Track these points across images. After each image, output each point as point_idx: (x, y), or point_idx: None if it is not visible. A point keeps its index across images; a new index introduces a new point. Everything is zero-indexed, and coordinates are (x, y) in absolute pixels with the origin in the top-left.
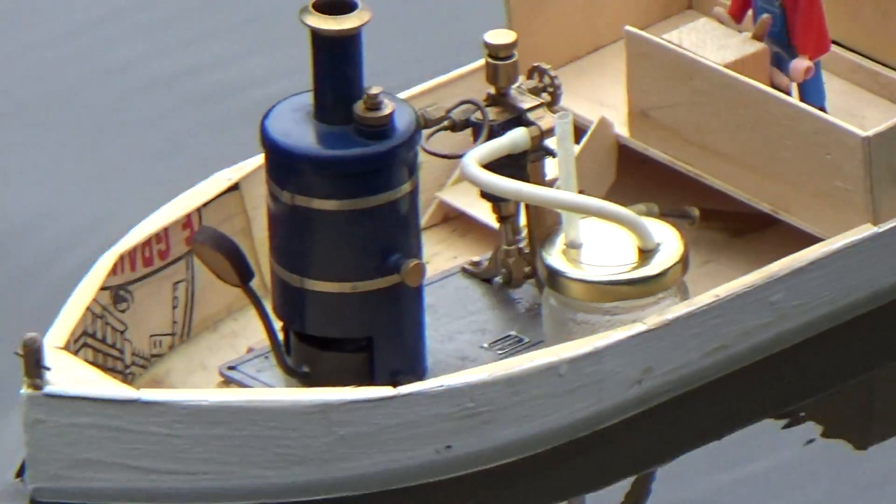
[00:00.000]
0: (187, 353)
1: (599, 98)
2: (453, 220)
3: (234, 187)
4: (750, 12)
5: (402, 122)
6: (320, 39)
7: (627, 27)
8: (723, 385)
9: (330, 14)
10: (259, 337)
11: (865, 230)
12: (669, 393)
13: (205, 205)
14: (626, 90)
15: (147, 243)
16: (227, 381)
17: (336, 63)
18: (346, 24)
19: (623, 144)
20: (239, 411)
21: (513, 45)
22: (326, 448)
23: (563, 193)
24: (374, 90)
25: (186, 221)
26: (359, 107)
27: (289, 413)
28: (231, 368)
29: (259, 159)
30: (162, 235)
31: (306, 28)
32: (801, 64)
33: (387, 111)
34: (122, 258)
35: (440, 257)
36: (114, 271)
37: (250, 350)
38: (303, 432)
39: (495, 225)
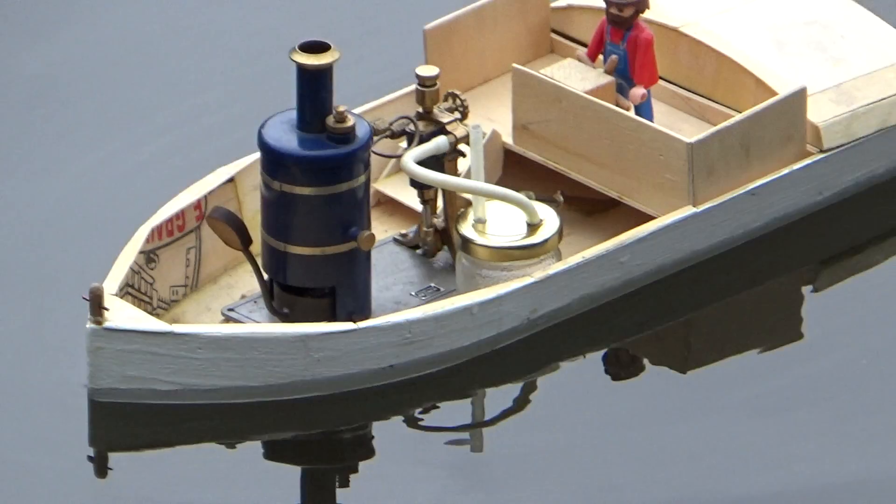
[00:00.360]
0: (196, 299)
1: (490, 116)
2: (384, 203)
3: (230, 179)
4: (601, 55)
5: (360, 131)
6: (303, 71)
7: (515, 65)
8: (587, 319)
9: (311, 53)
10: (249, 287)
11: (687, 210)
12: (547, 324)
13: (210, 192)
14: (511, 110)
15: (169, 220)
16: (227, 320)
17: (314, 88)
18: (322, 61)
19: (508, 149)
20: (243, 340)
21: (436, 77)
22: (304, 367)
23: (475, 182)
24: (341, 108)
25: (197, 204)
26: (330, 120)
27: (279, 341)
28: (230, 310)
29: (248, 159)
30: (179, 214)
31: (294, 63)
32: (637, 91)
33: (349, 123)
34: (152, 231)
35: (375, 230)
36: (147, 240)
37: (243, 297)
38: (289, 355)
39: (418, 207)
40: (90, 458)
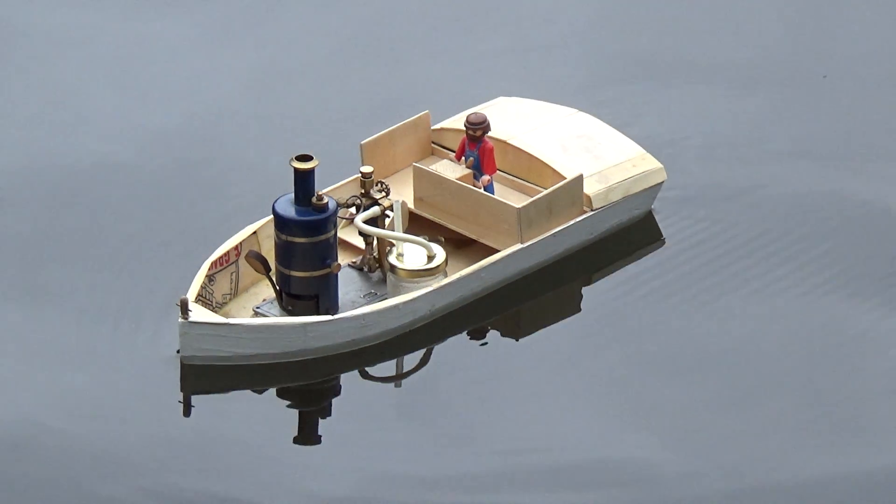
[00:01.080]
0: (237, 302)
1: (401, 192)
2: (340, 244)
3: (254, 233)
4: (464, 157)
5: (331, 205)
6: (298, 172)
7: (414, 164)
8: (464, 310)
9: (302, 161)
10: (266, 295)
11: (517, 245)
12: (442, 314)
13: (243, 240)
14: (413, 189)
15: (220, 258)
16: (256, 314)
17: (304, 181)
18: (308, 166)
19: (413, 212)
20: (268, 328)
21: (371, 172)
22: (303, 342)
23: (397, 233)
24: (320, 193)
25: (235, 247)
26: (314, 199)
27: (289, 327)
28: (258, 308)
29: (262, 220)
30: (225, 255)
31: (292, 167)
32: (485, 178)
33: (325, 201)
34: (212, 263)
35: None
36: (209, 269)
37: (264, 300)
38: (294, 336)
39: (362, 245)
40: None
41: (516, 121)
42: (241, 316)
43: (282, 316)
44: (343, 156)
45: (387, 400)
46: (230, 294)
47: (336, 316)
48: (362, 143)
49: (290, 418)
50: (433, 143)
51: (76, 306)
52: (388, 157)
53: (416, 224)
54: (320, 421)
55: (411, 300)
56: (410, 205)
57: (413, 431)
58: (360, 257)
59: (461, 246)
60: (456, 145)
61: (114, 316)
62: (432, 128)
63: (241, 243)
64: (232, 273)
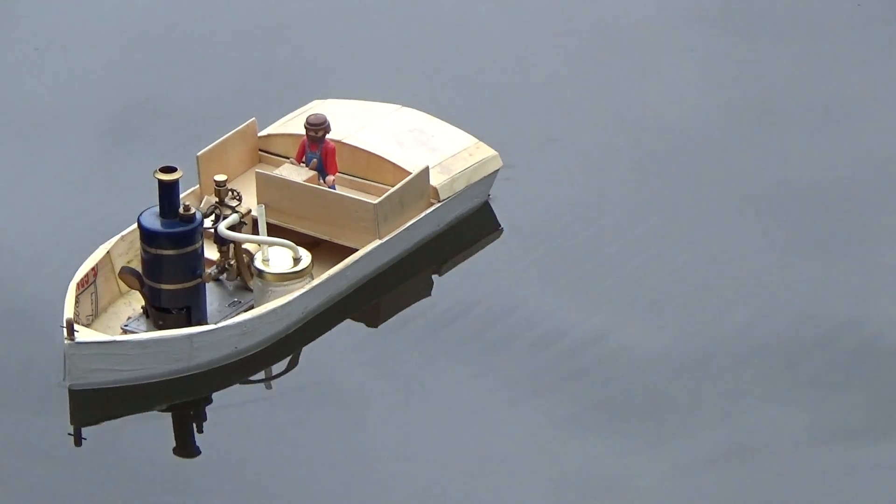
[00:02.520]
0: (101, 322)
1: (249, 202)
2: None
3: (107, 253)
4: (305, 158)
5: (198, 216)
6: (162, 183)
7: (257, 170)
8: (334, 308)
9: (166, 173)
10: (126, 313)
11: (376, 242)
12: (314, 313)
13: (98, 263)
14: (256, 195)
15: (82, 279)
16: (126, 333)
17: (170, 194)
18: (172, 177)
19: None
20: (156, 342)
21: (225, 181)
22: (190, 354)
23: (262, 237)
24: (187, 203)
25: (93, 269)
26: (180, 211)
27: (175, 339)
28: (126, 326)
29: (115, 239)
30: (85, 277)
31: (157, 179)
32: (330, 178)
33: (192, 211)
34: (77, 285)
35: None
36: (77, 289)
37: (129, 318)
38: (179, 347)
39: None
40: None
41: (343, 121)
42: (94, 332)
43: (150, 331)
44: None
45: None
46: (92, 315)
47: (219, 325)
48: (198, 154)
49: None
50: (260, 150)
51: None
52: (221, 166)
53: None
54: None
55: (287, 304)
56: (254, 212)
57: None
58: (214, 267)
59: (309, 248)
60: (282, 150)
61: None
62: (258, 135)
63: (97, 264)
64: (92, 294)
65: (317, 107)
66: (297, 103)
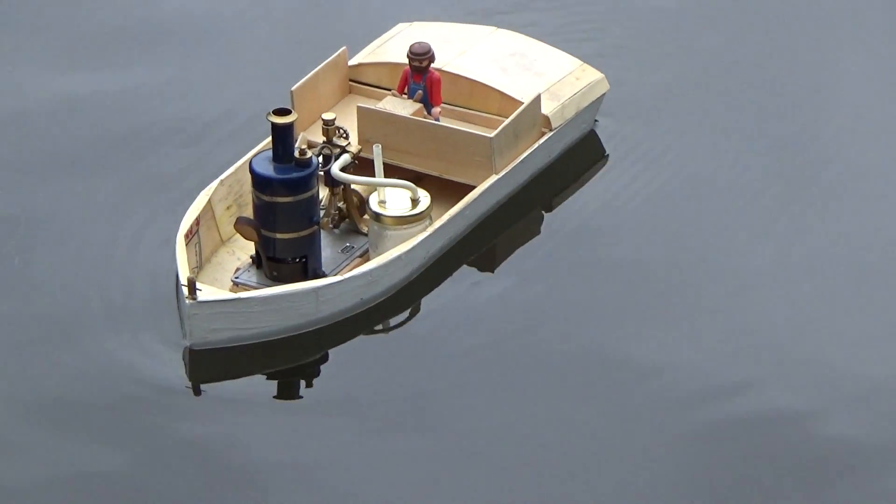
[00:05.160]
0: (205, 276)
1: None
2: None
3: (208, 201)
4: (407, 90)
5: (314, 160)
6: (276, 126)
7: (359, 104)
8: (454, 250)
9: (280, 115)
10: (232, 265)
11: (493, 177)
12: (435, 257)
13: (200, 213)
14: (358, 132)
15: (188, 231)
16: (238, 285)
17: (284, 137)
18: (287, 119)
19: (361, 157)
20: (280, 297)
21: (334, 119)
22: (316, 308)
23: (379, 179)
24: (303, 147)
25: (195, 220)
26: (296, 154)
27: (302, 293)
28: (237, 279)
29: (215, 184)
30: (190, 228)
31: (270, 122)
32: (436, 110)
33: (308, 155)
34: (184, 236)
35: None
36: (185, 239)
37: (238, 269)
38: (306, 302)
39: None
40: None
41: (437, 46)
42: (216, 289)
43: (262, 283)
44: (261, 108)
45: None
46: (197, 268)
47: (346, 275)
48: (293, 89)
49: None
50: (351, 80)
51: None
52: (314, 101)
53: (367, 168)
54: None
55: (411, 249)
56: (354, 148)
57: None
58: (319, 209)
59: (418, 180)
60: (374, 80)
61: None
62: (348, 63)
63: (199, 214)
64: (196, 245)
65: (403, 31)
66: (376, 29)
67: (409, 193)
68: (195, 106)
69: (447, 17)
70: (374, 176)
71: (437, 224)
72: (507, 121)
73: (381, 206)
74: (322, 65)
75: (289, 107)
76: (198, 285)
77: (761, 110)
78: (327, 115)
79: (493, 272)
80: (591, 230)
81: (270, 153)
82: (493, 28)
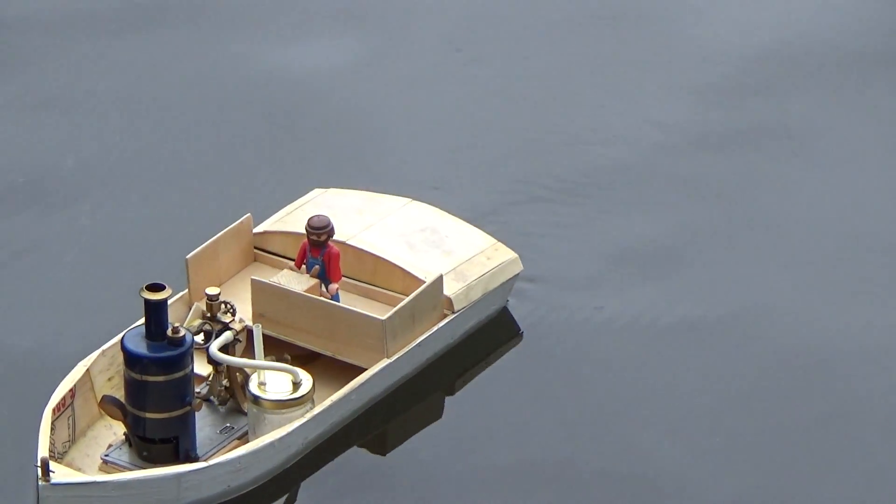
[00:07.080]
0: (78, 450)
1: (243, 309)
2: None
3: (87, 371)
4: (305, 263)
5: (188, 338)
6: (149, 303)
7: (253, 278)
8: (343, 434)
9: (153, 291)
10: (107, 440)
11: (384, 361)
12: (315, 444)
13: (76, 383)
14: (252, 305)
15: (59, 403)
16: (107, 463)
17: (157, 314)
18: (161, 296)
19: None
20: (140, 482)
21: (219, 294)
22: (178, 495)
23: (258, 361)
24: (176, 325)
25: (70, 391)
26: (169, 333)
27: (162, 479)
28: (106, 457)
29: (95, 354)
30: (62, 400)
31: (143, 298)
32: (333, 286)
33: (182, 333)
34: (52, 410)
35: None
36: (52, 415)
37: (110, 446)
38: (166, 488)
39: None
40: None
41: (347, 216)
42: (87, 466)
43: (133, 462)
44: (156, 274)
45: None
46: (69, 441)
47: (210, 462)
48: (188, 257)
49: None
50: (255, 248)
51: None
52: (212, 269)
53: (266, 343)
54: None
55: (286, 435)
56: (248, 321)
57: None
58: (203, 386)
59: (307, 362)
60: (280, 249)
61: None
62: (252, 231)
63: (75, 384)
64: (69, 417)
65: (317, 197)
66: (295, 193)
67: (290, 376)
68: (79, 268)
69: (372, 183)
70: (254, 357)
71: (318, 409)
72: (402, 302)
73: (260, 388)
74: (222, 232)
75: (185, 275)
76: (51, 466)
77: (683, 286)
78: (211, 290)
79: (384, 455)
80: (489, 414)
81: (142, 329)
82: (408, 200)
